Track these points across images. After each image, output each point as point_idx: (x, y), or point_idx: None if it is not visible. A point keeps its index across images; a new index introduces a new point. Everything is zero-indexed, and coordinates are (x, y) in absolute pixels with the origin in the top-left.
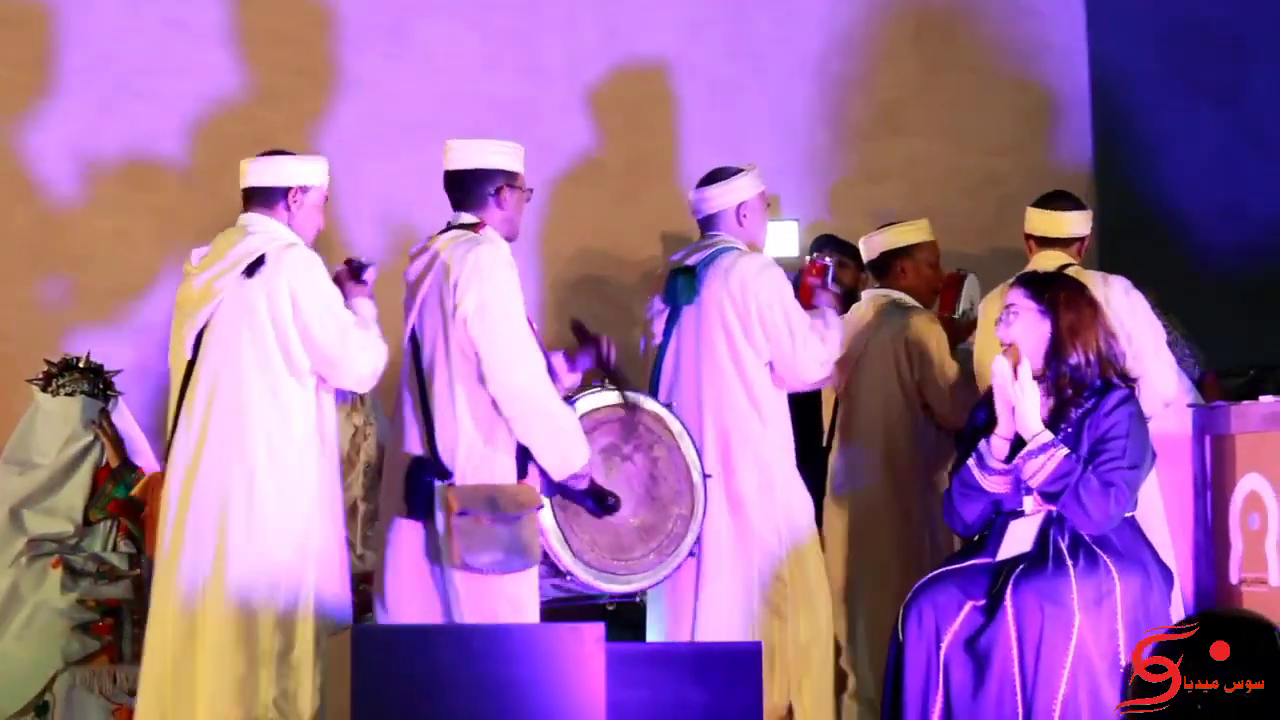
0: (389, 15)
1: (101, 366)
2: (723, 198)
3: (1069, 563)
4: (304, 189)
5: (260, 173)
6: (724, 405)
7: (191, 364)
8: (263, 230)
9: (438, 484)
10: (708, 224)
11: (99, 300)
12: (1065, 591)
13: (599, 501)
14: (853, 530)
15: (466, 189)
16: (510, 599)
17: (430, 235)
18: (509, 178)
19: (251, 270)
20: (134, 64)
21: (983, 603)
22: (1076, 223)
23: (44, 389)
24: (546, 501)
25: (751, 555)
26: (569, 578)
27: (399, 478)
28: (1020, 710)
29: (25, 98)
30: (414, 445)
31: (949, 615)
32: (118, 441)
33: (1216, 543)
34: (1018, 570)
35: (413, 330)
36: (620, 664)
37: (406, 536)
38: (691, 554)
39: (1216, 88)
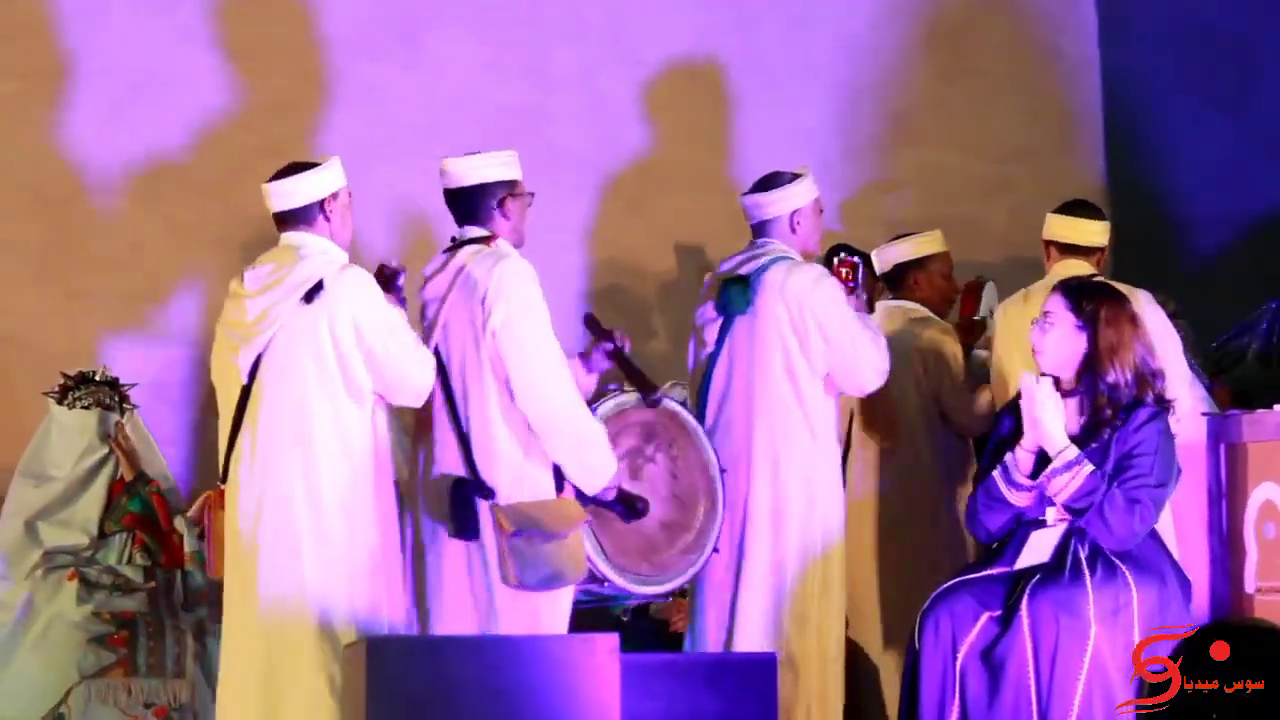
0: (397, 24)
1: (117, 379)
2: (777, 205)
3: (1086, 573)
4: (334, 196)
5: (290, 194)
6: (776, 417)
7: (247, 389)
8: (315, 251)
9: (487, 504)
10: (759, 230)
11: (114, 312)
12: (1081, 602)
13: (629, 508)
14: (874, 537)
15: (470, 205)
16: (552, 612)
17: (443, 251)
18: (510, 187)
19: (310, 296)
20: (143, 75)
21: (999, 613)
22: (1099, 232)
23: (59, 402)
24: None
25: (786, 566)
26: (605, 584)
27: (441, 500)
28: None
29: (37, 108)
30: (452, 466)
31: (965, 625)
32: (133, 454)
33: (1231, 551)
34: (1034, 580)
35: (435, 350)
36: (635, 674)
37: (448, 557)
38: (715, 550)
39: (1226, 95)
